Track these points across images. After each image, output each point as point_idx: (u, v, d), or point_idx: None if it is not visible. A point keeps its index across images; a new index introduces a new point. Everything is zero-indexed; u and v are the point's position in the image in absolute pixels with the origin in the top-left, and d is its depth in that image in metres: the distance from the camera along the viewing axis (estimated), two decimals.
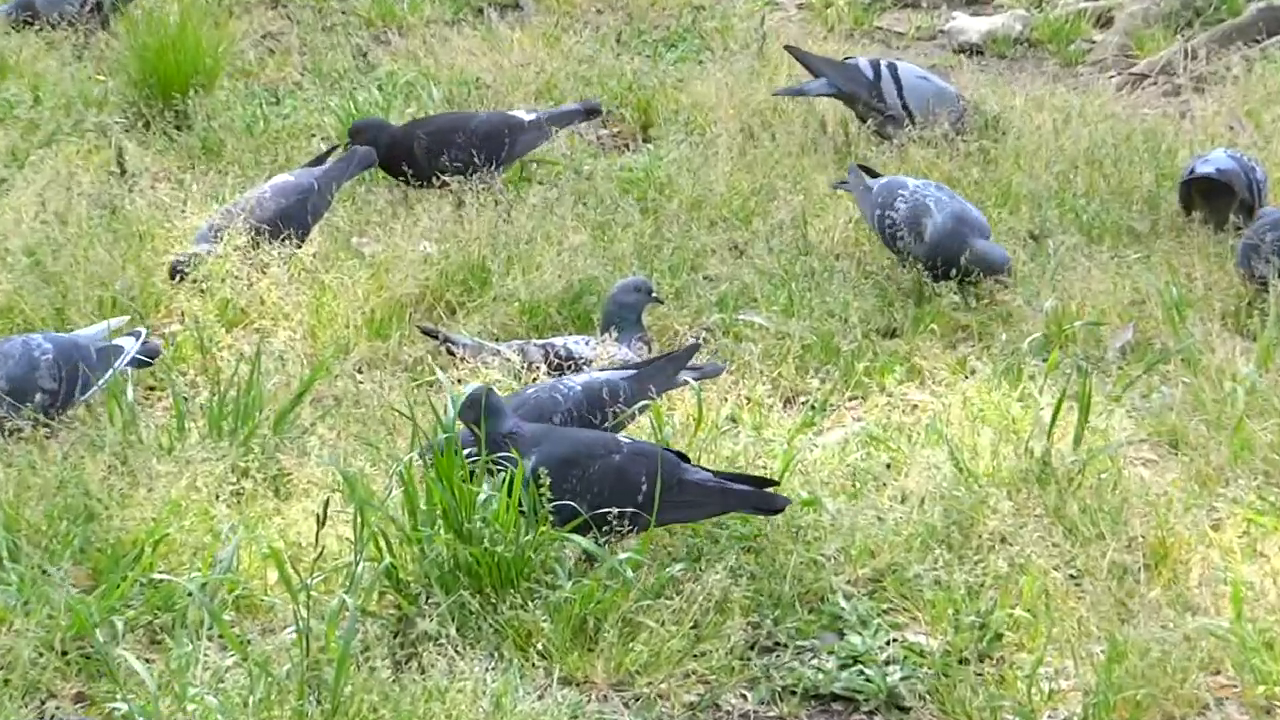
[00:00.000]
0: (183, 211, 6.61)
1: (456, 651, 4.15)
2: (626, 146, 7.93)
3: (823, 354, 5.82)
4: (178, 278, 6.06)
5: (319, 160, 6.79)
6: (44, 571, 4.41)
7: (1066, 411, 5.05)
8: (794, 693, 4.25)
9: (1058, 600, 4.43)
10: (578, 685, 4.22)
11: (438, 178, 6.94)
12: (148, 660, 4.16)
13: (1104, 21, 9.55)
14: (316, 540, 4.21)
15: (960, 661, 4.29)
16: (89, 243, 6.24)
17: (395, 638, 4.29)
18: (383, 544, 4.36)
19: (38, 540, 4.57)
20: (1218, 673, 4.27)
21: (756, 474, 4.78)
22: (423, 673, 4.10)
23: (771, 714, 4.23)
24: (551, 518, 4.37)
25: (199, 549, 4.56)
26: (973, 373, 5.58)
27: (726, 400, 5.42)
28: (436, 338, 5.74)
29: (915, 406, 5.53)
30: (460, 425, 4.45)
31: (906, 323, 6.07)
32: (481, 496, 4.34)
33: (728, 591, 4.39)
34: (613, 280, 5.99)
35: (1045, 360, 5.50)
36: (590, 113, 7.38)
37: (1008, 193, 7.00)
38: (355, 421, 5.31)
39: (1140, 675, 4.11)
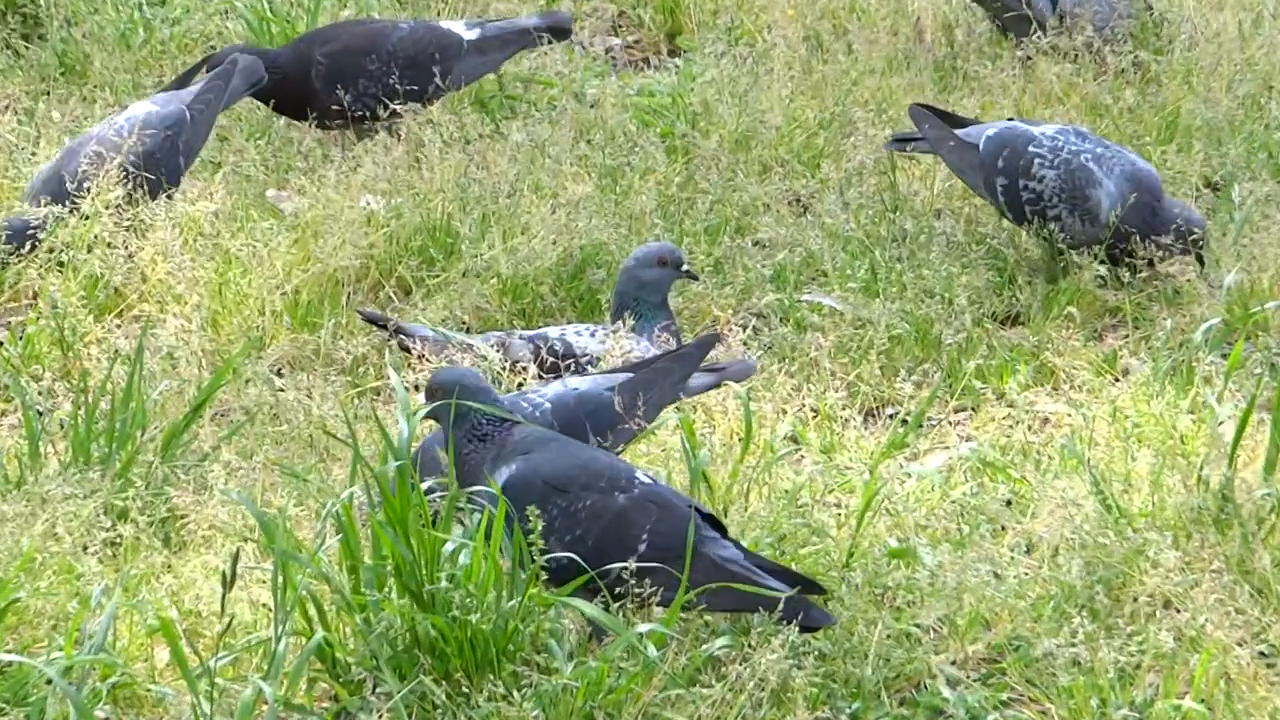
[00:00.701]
0: (32, 154, 6.66)
1: None
2: (646, 61, 7.97)
3: (918, 348, 5.87)
4: (25, 246, 6.10)
5: (183, 80, 6.81)
6: None
7: (1254, 427, 5.09)
8: None
9: (1242, 686, 4.46)
10: None
11: (347, 118, 6.97)
12: None
13: None
14: (222, 608, 4.24)
15: None
16: None
17: None
18: (313, 612, 4.40)
19: None
20: None
21: (808, 572, 4.65)
22: None
23: None
24: (544, 574, 4.42)
25: (61, 619, 4.59)
26: (1125, 374, 5.62)
27: (785, 412, 5.44)
28: (385, 327, 5.77)
29: (1046, 421, 5.56)
30: (425, 431, 4.45)
31: (1034, 305, 6.11)
32: (449, 546, 4.38)
33: (787, 676, 4.42)
34: (628, 248, 6.04)
35: (1225, 356, 5.53)
36: (556, 32, 7.24)
37: (1174, 124, 7.04)
38: (273, 443, 5.35)
39: None
